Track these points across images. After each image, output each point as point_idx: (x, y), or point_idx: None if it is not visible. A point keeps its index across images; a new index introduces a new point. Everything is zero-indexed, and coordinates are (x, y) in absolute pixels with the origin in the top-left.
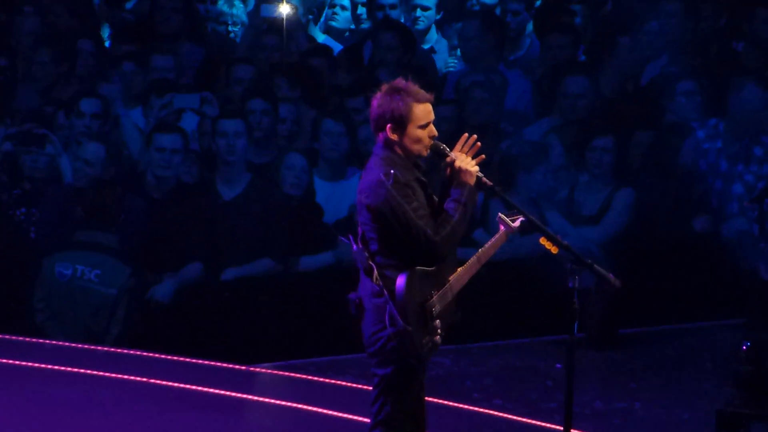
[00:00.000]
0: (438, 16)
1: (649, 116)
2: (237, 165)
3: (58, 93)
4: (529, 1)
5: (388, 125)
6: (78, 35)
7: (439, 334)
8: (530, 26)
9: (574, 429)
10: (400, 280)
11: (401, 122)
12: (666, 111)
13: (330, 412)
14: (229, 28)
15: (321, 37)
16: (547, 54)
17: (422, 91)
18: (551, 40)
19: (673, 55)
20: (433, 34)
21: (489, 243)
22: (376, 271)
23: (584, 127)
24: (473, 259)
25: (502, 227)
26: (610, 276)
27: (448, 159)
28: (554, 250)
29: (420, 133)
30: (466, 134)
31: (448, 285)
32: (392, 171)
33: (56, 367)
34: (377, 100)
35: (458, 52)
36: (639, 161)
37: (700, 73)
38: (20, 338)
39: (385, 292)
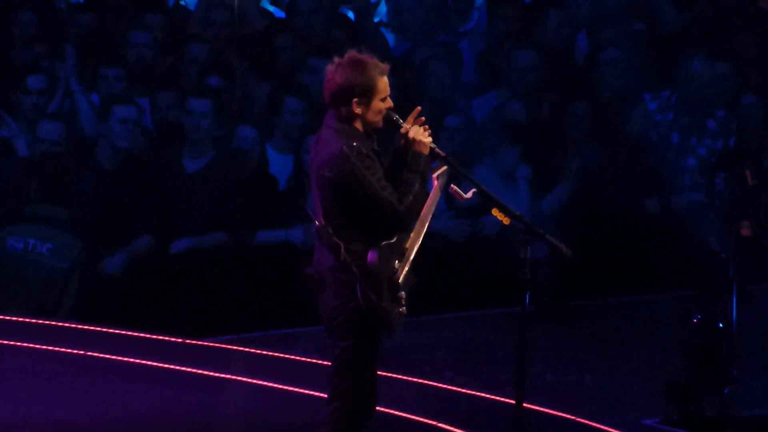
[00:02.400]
0: None
1: (594, 86)
2: (202, 141)
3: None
4: None
5: (354, 99)
6: (17, 7)
7: (404, 305)
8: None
9: (526, 401)
10: (372, 256)
11: (369, 93)
12: (610, 81)
13: (280, 386)
14: (181, 2)
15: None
16: (495, 26)
17: (381, 64)
18: (498, 12)
19: (619, 25)
20: (383, 7)
21: (427, 204)
22: (342, 248)
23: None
24: (418, 223)
25: (435, 183)
26: (562, 246)
27: (402, 130)
28: (506, 220)
29: (381, 105)
30: (419, 108)
31: (406, 253)
32: (354, 143)
33: (3, 342)
34: (338, 72)
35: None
36: (585, 130)
37: (649, 44)
38: None
39: (354, 268)
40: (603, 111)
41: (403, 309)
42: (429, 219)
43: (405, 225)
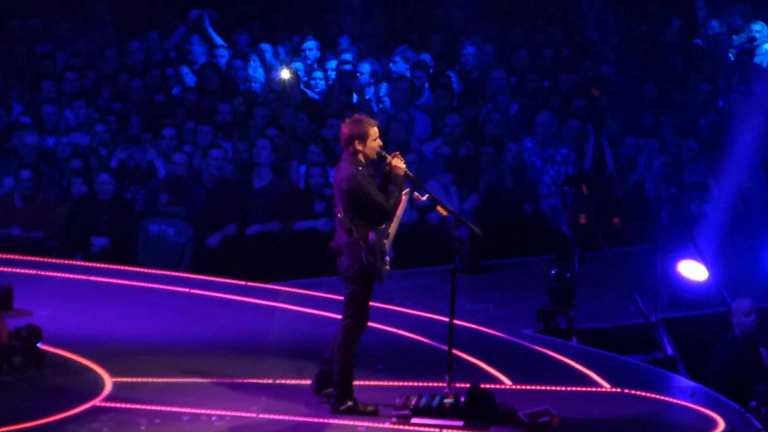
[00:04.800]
0: (373, 80)
1: (490, 136)
2: (264, 166)
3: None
4: (426, 69)
5: (356, 141)
6: (144, 92)
7: (389, 265)
8: (427, 84)
9: (455, 320)
10: (372, 236)
11: (364, 138)
12: (498, 134)
13: (311, 311)
14: (251, 85)
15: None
16: (437, 102)
17: (371, 120)
18: (437, 93)
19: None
20: (371, 90)
21: (399, 207)
22: (354, 230)
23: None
24: (395, 218)
25: (403, 197)
26: (476, 228)
27: (387, 160)
28: (445, 213)
29: (374, 144)
30: (398, 152)
31: (389, 235)
32: (360, 168)
33: (145, 284)
34: (346, 126)
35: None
36: (488, 163)
37: (524, 105)
38: (127, 268)
39: (361, 242)
40: (497, 151)
41: (388, 267)
42: (401, 216)
43: (390, 216)
